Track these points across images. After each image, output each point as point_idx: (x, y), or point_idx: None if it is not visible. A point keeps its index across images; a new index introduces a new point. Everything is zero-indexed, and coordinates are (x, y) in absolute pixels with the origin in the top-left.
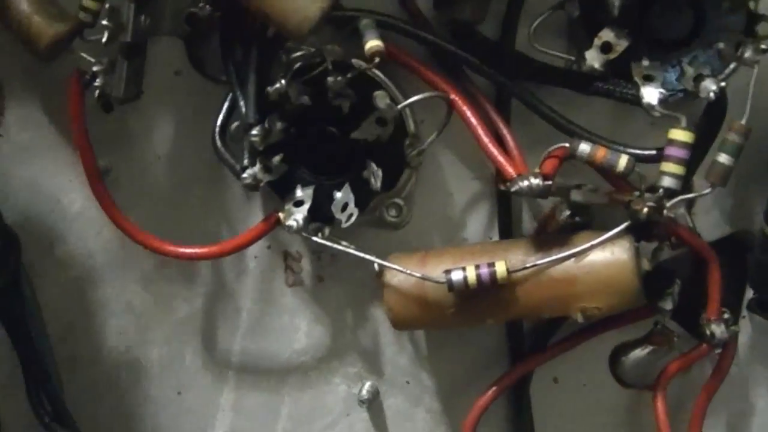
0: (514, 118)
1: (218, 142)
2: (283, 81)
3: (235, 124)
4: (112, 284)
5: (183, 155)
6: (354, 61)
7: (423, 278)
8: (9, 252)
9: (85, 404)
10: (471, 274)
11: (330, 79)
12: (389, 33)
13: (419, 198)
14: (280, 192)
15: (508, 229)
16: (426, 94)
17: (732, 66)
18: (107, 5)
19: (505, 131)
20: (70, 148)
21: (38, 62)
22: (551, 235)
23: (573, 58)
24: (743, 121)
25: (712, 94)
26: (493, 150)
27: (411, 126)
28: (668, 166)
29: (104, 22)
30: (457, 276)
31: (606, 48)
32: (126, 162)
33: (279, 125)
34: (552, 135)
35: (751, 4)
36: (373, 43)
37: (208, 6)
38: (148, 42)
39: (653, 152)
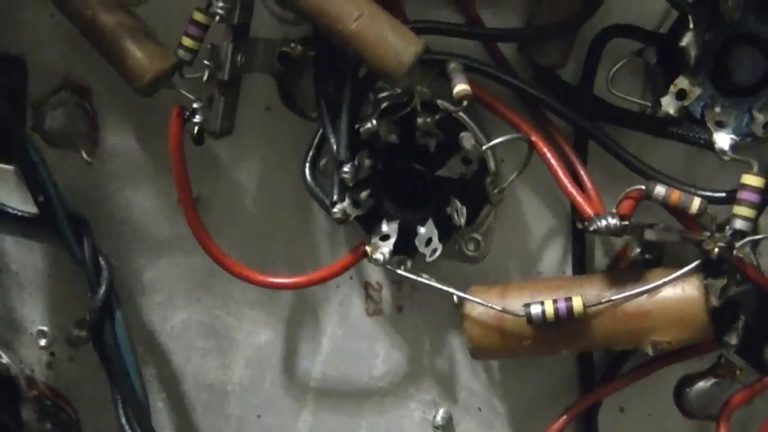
0: (591, 159)
1: (308, 177)
2: (374, 121)
3: (325, 159)
4: (197, 308)
5: (270, 187)
6: (441, 103)
7: (503, 311)
8: (100, 276)
9: (169, 423)
10: (549, 307)
11: (419, 120)
12: (474, 75)
13: (497, 232)
14: (365, 225)
15: (581, 264)
16: (509, 136)
17: None
18: (209, 45)
19: (582, 172)
20: (161, 176)
21: (132, 94)
22: (624, 271)
23: (649, 104)
24: None
25: None
26: (572, 190)
27: (492, 164)
28: (740, 210)
29: (205, 62)
30: (536, 309)
31: (681, 95)
32: (216, 191)
33: (368, 162)
34: (627, 175)
35: None
36: (461, 87)
37: (299, 46)
38: (242, 78)
39: (723, 194)
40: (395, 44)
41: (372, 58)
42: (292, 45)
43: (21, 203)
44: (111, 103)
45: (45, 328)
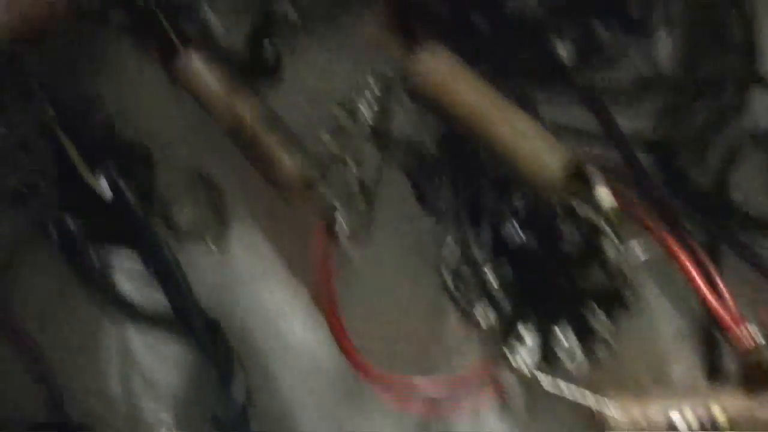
0: (728, 269)
1: (448, 280)
2: (515, 223)
3: (463, 263)
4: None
5: (405, 287)
6: (588, 215)
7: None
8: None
9: None
10: (690, 418)
11: (563, 229)
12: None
13: (625, 333)
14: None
15: (715, 370)
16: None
17: None
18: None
19: (717, 278)
20: (293, 274)
21: (263, 192)
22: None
23: None
24: None
25: None
26: (711, 298)
27: (629, 271)
28: None
29: (348, 166)
30: (680, 423)
31: None
32: (348, 290)
33: (507, 267)
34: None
35: None
36: (607, 198)
37: (435, 144)
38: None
39: None
40: (544, 154)
41: (521, 168)
42: (428, 144)
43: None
44: (242, 203)
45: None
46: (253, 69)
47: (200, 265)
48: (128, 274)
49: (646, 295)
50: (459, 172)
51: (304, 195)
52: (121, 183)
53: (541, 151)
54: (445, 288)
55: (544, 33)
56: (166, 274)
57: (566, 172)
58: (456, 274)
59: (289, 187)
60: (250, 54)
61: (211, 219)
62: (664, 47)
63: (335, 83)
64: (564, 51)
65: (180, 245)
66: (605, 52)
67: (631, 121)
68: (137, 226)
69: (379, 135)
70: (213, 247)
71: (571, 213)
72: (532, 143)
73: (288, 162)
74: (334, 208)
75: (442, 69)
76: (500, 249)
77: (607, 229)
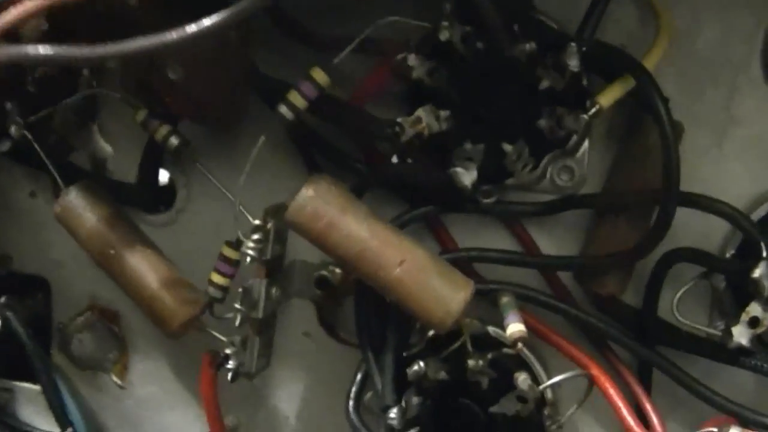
0: (657, 386)
1: (352, 414)
2: (421, 363)
3: (369, 394)
4: None
5: (311, 416)
6: (495, 333)
7: None
8: None
9: None
10: None
11: (470, 361)
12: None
13: None
14: None
15: None
16: (567, 375)
17: None
18: (240, 288)
19: (647, 405)
20: (195, 402)
21: None
22: None
23: (719, 333)
24: None
25: None
26: (636, 428)
27: (550, 395)
28: None
29: (237, 306)
30: None
31: (754, 323)
32: (254, 420)
33: (416, 400)
34: (695, 403)
35: None
36: (515, 328)
37: (338, 270)
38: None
39: None
40: (442, 291)
41: (417, 307)
42: (331, 268)
43: (50, 425)
44: (140, 328)
45: None
46: (146, 200)
47: (104, 393)
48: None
49: (578, 426)
50: (361, 303)
51: (185, 331)
52: (11, 317)
53: (439, 288)
54: (352, 425)
55: (448, 158)
56: (58, 403)
57: (465, 306)
58: (364, 407)
59: (170, 326)
60: (142, 185)
61: (110, 348)
62: (583, 165)
63: (227, 217)
64: (466, 176)
65: (82, 374)
66: (520, 173)
67: (550, 241)
68: (30, 359)
69: (275, 267)
70: (113, 376)
71: (483, 341)
72: (426, 284)
73: (168, 302)
74: (224, 347)
75: (328, 206)
76: (405, 381)
77: (524, 352)
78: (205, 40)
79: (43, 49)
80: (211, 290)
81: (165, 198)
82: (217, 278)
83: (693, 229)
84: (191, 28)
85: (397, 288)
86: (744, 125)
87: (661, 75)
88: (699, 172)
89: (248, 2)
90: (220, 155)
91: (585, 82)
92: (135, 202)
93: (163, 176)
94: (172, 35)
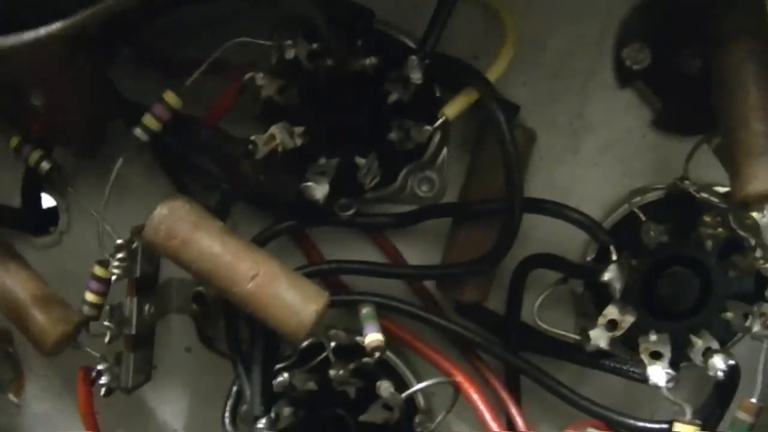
0: (526, 391)
1: (228, 426)
2: (286, 375)
3: (244, 406)
4: None
5: (199, 430)
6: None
7: None
8: None
9: None
10: None
11: (332, 372)
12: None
13: None
14: None
15: None
16: (430, 381)
17: (738, 337)
18: (107, 306)
19: (513, 411)
20: None
21: None
22: None
23: (578, 337)
24: (754, 399)
25: (720, 373)
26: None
27: (421, 402)
28: None
29: (105, 323)
30: None
31: (611, 325)
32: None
33: (287, 410)
34: (565, 407)
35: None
36: (372, 338)
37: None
38: (157, 323)
39: (665, 426)
40: (294, 304)
41: (272, 319)
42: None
43: None
44: (32, 349)
45: None
46: (31, 223)
47: (2, 412)
48: None
49: (445, 427)
50: (231, 318)
51: (60, 349)
52: None
53: (291, 300)
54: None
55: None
56: None
57: (317, 317)
58: (241, 419)
59: (44, 344)
60: (25, 209)
61: (5, 367)
62: (442, 175)
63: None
64: (318, 190)
65: None
66: (369, 186)
67: (413, 250)
68: None
69: (147, 284)
70: (11, 396)
71: (349, 350)
72: (279, 296)
73: (41, 320)
74: (97, 365)
75: (181, 224)
76: (276, 394)
77: (392, 357)
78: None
79: None
80: (86, 309)
81: (51, 220)
82: (90, 297)
83: (556, 235)
84: (28, 35)
85: (252, 301)
86: (598, 130)
87: (514, 83)
88: (556, 178)
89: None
90: (94, 177)
91: (438, 94)
92: (20, 226)
93: (49, 200)
94: (8, 40)
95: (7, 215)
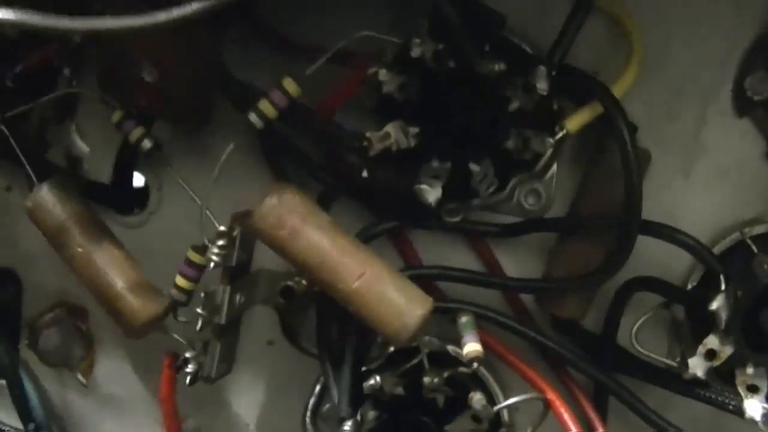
0: (613, 413)
1: (308, 425)
2: (377, 378)
3: (327, 405)
4: None
5: (271, 424)
6: (453, 351)
7: None
8: None
9: None
10: None
11: (426, 379)
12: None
13: None
14: None
15: None
16: (522, 397)
17: None
18: (203, 293)
19: (598, 425)
20: (156, 406)
21: None
22: None
23: (675, 364)
24: None
25: None
26: None
27: (506, 416)
28: None
29: (198, 311)
30: None
31: (710, 355)
32: (214, 425)
33: (372, 414)
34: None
35: None
36: (471, 348)
37: (304, 281)
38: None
39: None
40: (399, 306)
41: (375, 319)
42: (296, 279)
43: (13, 420)
44: (107, 327)
45: None
46: (119, 201)
47: (68, 390)
48: None
49: None
50: (323, 315)
51: (147, 331)
52: None
53: (397, 302)
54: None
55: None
56: (23, 401)
57: (422, 321)
58: (321, 418)
59: (132, 325)
60: (115, 186)
61: (77, 346)
62: (551, 189)
63: (197, 221)
64: (431, 194)
65: (47, 370)
66: (485, 193)
67: (513, 262)
68: None
69: (240, 273)
70: (79, 375)
71: (441, 357)
72: (384, 297)
73: (131, 300)
74: (185, 350)
75: (291, 215)
76: (366, 395)
77: (481, 370)
78: (175, 28)
79: (4, 13)
80: (175, 293)
81: (139, 199)
82: (181, 282)
83: (658, 257)
84: (161, 15)
85: (356, 300)
86: (711, 156)
87: (632, 101)
88: (665, 201)
89: None
90: (193, 159)
91: (555, 106)
92: (108, 203)
93: (139, 178)
94: (142, 19)
95: (96, 190)
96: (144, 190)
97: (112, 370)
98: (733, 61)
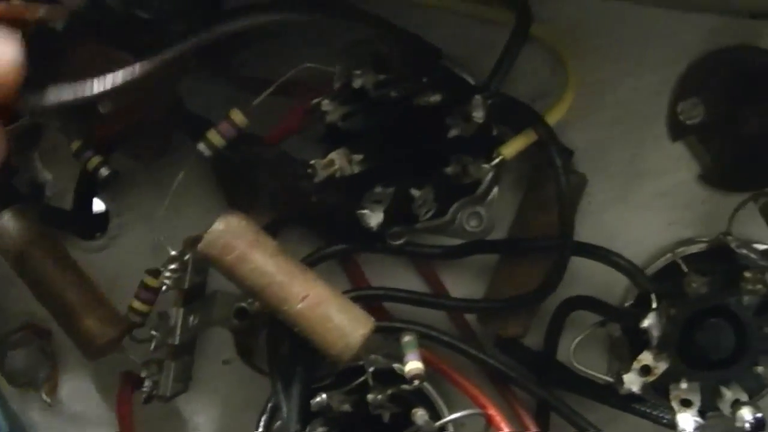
0: (555, 429)
1: None
2: (323, 395)
3: (278, 423)
4: None
5: None
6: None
7: None
8: None
9: None
10: None
11: (370, 396)
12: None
13: None
14: None
15: None
16: (463, 413)
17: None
18: (156, 313)
19: None
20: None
21: None
22: None
23: (612, 380)
24: None
25: (747, 425)
26: None
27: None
28: None
29: (152, 331)
30: None
31: (645, 371)
32: None
33: (320, 430)
34: None
35: None
36: (412, 366)
37: (257, 302)
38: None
39: None
40: (342, 326)
41: (319, 340)
42: (250, 300)
43: None
44: (71, 348)
45: None
46: (80, 226)
47: (33, 410)
48: None
49: None
50: (273, 334)
51: (105, 353)
52: None
53: (339, 323)
54: None
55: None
56: None
57: (364, 341)
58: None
59: (89, 347)
60: (76, 212)
61: (42, 366)
62: (492, 212)
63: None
64: (373, 218)
65: (14, 390)
66: (424, 217)
67: (455, 284)
68: None
69: (194, 296)
70: (43, 395)
71: (387, 375)
72: (327, 319)
73: (89, 323)
74: (140, 373)
75: (238, 240)
76: (311, 413)
77: (427, 387)
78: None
79: None
80: (131, 315)
81: (100, 225)
82: (137, 304)
83: (599, 277)
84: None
85: (300, 321)
86: (648, 179)
87: (571, 127)
88: (605, 223)
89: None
90: (152, 187)
91: (495, 132)
92: (69, 228)
93: (100, 204)
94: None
95: (57, 216)
96: (105, 216)
97: (75, 389)
98: (668, 88)
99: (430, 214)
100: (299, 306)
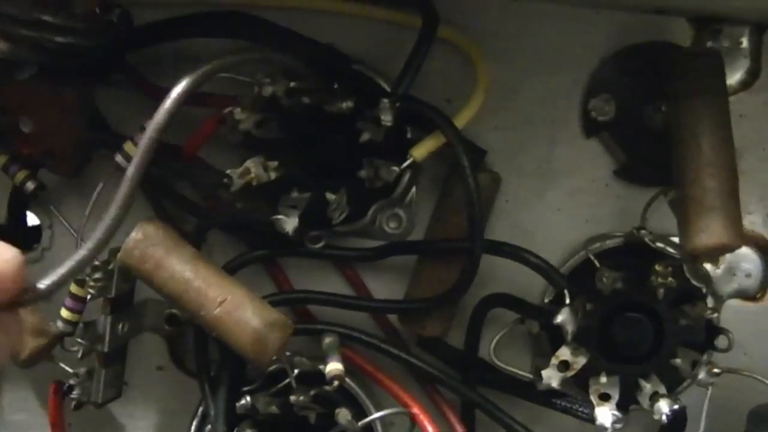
0: (482, 427)
1: None
2: (248, 398)
3: (208, 426)
4: None
5: None
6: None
7: None
8: None
9: None
10: None
11: (293, 397)
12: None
13: None
14: None
15: None
16: (386, 412)
17: (686, 383)
18: (80, 323)
19: None
20: None
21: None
22: None
23: (531, 376)
24: None
25: (664, 417)
26: None
27: (379, 431)
28: None
29: (78, 340)
30: None
31: (564, 366)
32: None
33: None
34: None
35: (713, 317)
36: (332, 367)
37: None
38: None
39: None
40: (258, 330)
41: (237, 343)
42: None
43: None
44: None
45: None
46: (14, 239)
47: None
48: None
49: None
50: (201, 339)
51: (35, 362)
52: None
53: (257, 327)
54: None
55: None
56: None
57: (281, 344)
58: None
59: (19, 356)
60: (9, 225)
61: None
62: (411, 213)
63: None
64: (288, 223)
65: None
66: (337, 221)
67: (377, 283)
68: None
69: (122, 303)
70: None
71: (311, 375)
72: (244, 323)
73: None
74: (69, 379)
75: (155, 248)
76: (238, 416)
77: (351, 385)
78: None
79: None
80: (61, 325)
81: (33, 237)
82: (66, 313)
83: (521, 276)
84: None
85: (218, 326)
86: (563, 178)
87: (485, 127)
88: (523, 221)
89: None
90: (75, 198)
91: (409, 135)
92: (4, 241)
93: (33, 217)
94: None
95: None
96: (38, 228)
97: (18, 398)
98: (580, 86)
99: (342, 217)
100: (216, 311)
